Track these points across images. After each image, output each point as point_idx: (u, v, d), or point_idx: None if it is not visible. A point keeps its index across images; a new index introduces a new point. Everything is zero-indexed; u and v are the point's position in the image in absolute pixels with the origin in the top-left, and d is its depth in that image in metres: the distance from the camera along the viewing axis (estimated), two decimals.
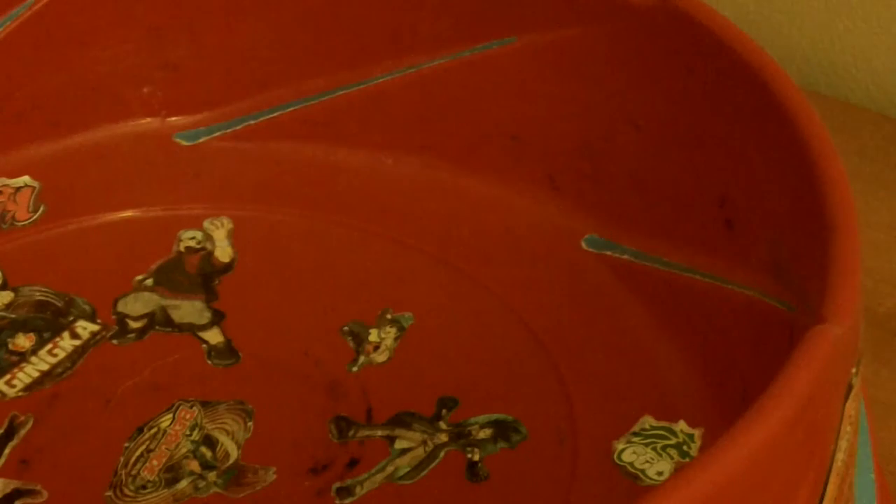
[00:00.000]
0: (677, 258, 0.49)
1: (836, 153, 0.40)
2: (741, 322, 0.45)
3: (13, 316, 0.50)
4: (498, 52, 0.53)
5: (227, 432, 0.45)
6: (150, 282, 0.51)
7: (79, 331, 0.49)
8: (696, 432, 0.45)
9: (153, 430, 0.45)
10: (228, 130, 0.57)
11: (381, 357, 0.49)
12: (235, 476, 0.44)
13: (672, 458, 0.44)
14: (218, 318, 0.50)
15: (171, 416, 0.46)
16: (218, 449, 0.45)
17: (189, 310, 0.50)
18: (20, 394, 0.47)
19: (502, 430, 0.46)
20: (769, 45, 0.70)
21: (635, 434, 0.45)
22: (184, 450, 0.45)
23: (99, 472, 0.44)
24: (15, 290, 0.51)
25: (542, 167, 0.54)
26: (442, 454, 0.45)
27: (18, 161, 0.56)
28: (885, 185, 0.61)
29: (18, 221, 0.54)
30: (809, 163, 0.40)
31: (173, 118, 0.58)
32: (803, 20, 0.70)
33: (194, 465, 0.44)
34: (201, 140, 0.57)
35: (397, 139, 0.56)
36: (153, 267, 0.52)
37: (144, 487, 0.44)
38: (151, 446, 0.45)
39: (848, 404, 0.35)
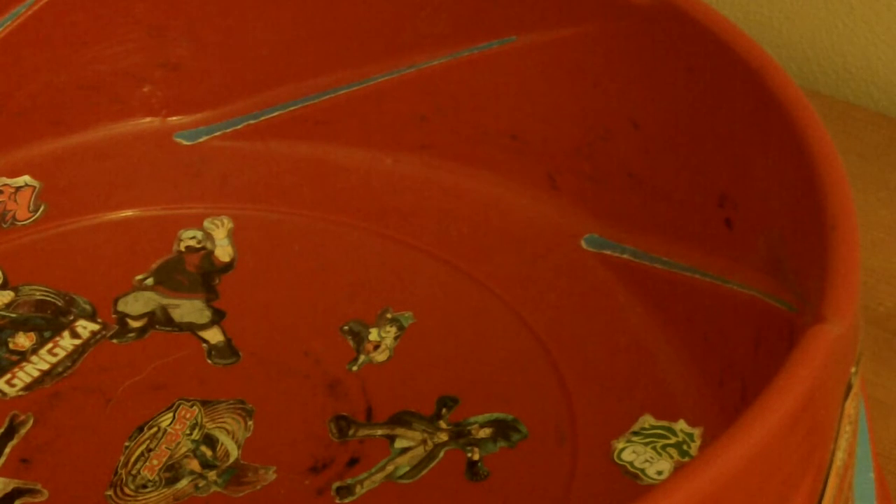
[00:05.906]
0: (677, 257, 0.49)
1: (836, 153, 0.40)
2: (741, 321, 0.45)
3: (13, 315, 0.50)
4: (498, 52, 0.53)
5: (228, 431, 0.46)
6: (150, 281, 0.51)
7: (79, 330, 0.49)
8: (696, 431, 0.45)
9: (153, 430, 0.46)
10: (228, 130, 0.57)
11: (381, 356, 0.49)
12: (235, 475, 0.44)
13: (672, 457, 0.44)
14: (218, 318, 0.50)
15: (171, 415, 0.46)
16: (218, 448, 0.45)
17: (189, 309, 0.50)
18: (20, 393, 0.47)
19: (502, 429, 0.46)
20: (769, 45, 0.70)
21: (635, 433, 0.45)
22: (184, 449, 0.45)
23: (99, 471, 0.44)
24: (15, 289, 0.51)
25: (541, 166, 0.54)
26: (442, 453, 0.45)
27: (19, 160, 0.56)
28: (885, 185, 0.61)
29: (19, 221, 0.54)
30: (809, 163, 0.40)
31: (173, 118, 0.58)
32: (803, 20, 0.70)
33: (194, 465, 0.44)
34: (201, 139, 0.57)
35: (397, 139, 0.56)
36: (153, 266, 0.52)
37: (145, 486, 0.44)
38: (152, 445, 0.45)
39: (847, 403, 0.35)
